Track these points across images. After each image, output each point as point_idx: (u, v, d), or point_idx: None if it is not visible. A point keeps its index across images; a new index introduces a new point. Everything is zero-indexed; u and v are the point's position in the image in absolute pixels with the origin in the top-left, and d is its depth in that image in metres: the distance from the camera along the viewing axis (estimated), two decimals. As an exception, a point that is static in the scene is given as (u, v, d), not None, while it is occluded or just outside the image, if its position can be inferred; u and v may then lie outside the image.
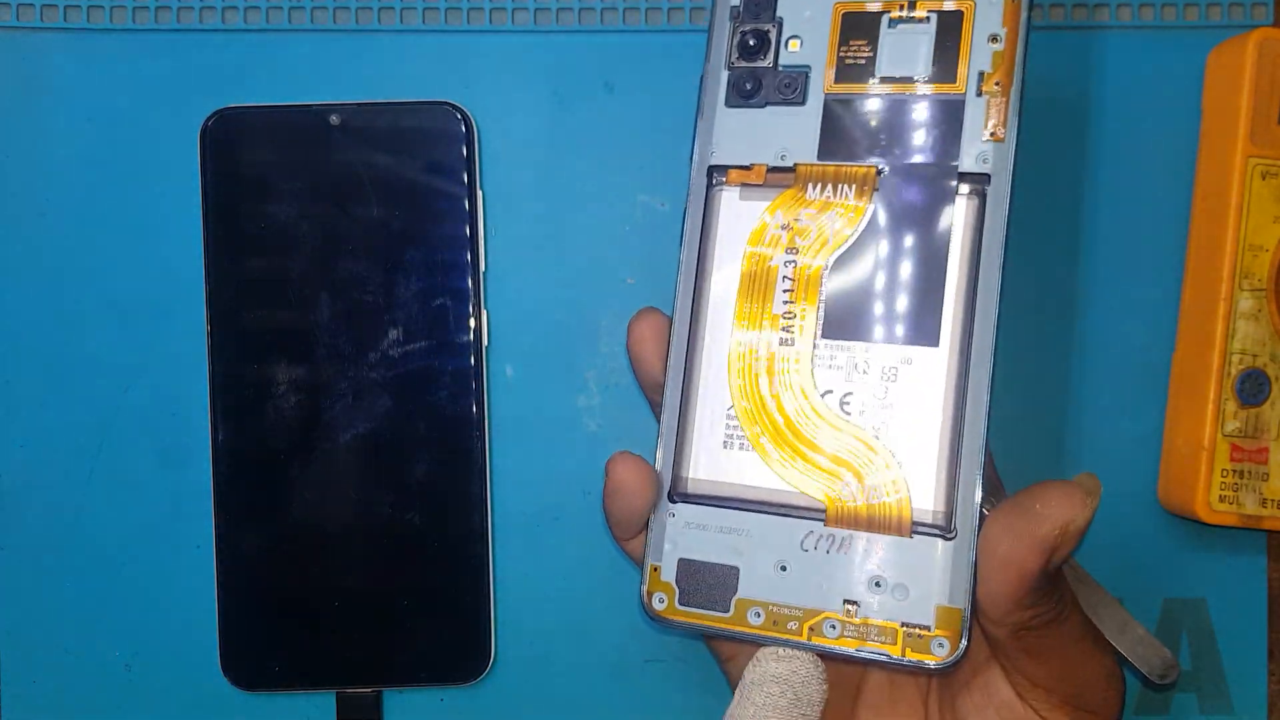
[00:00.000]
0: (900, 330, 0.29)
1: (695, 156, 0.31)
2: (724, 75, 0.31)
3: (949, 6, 0.29)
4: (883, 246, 0.29)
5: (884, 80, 0.30)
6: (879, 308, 0.29)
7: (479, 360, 0.39)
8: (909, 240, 0.29)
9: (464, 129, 0.38)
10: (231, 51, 0.39)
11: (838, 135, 0.30)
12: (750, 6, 0.31)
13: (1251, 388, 0.37)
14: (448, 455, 0.39)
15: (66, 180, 0.39)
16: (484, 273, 0.39)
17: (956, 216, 0.29)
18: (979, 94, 0.29)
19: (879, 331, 0.29)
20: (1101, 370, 0.39)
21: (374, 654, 0.39)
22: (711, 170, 0.31)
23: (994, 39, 0.29)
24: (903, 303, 0.29)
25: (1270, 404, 0.37)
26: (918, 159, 0.29)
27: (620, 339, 0.40)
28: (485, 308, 0.39)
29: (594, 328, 0.40)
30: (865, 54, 0.30)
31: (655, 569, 0.30)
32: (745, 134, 0.30)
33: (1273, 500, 0.37)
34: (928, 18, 0.29)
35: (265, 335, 0.38)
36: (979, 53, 0.29)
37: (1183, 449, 0.38)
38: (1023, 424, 0.39)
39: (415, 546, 0.39)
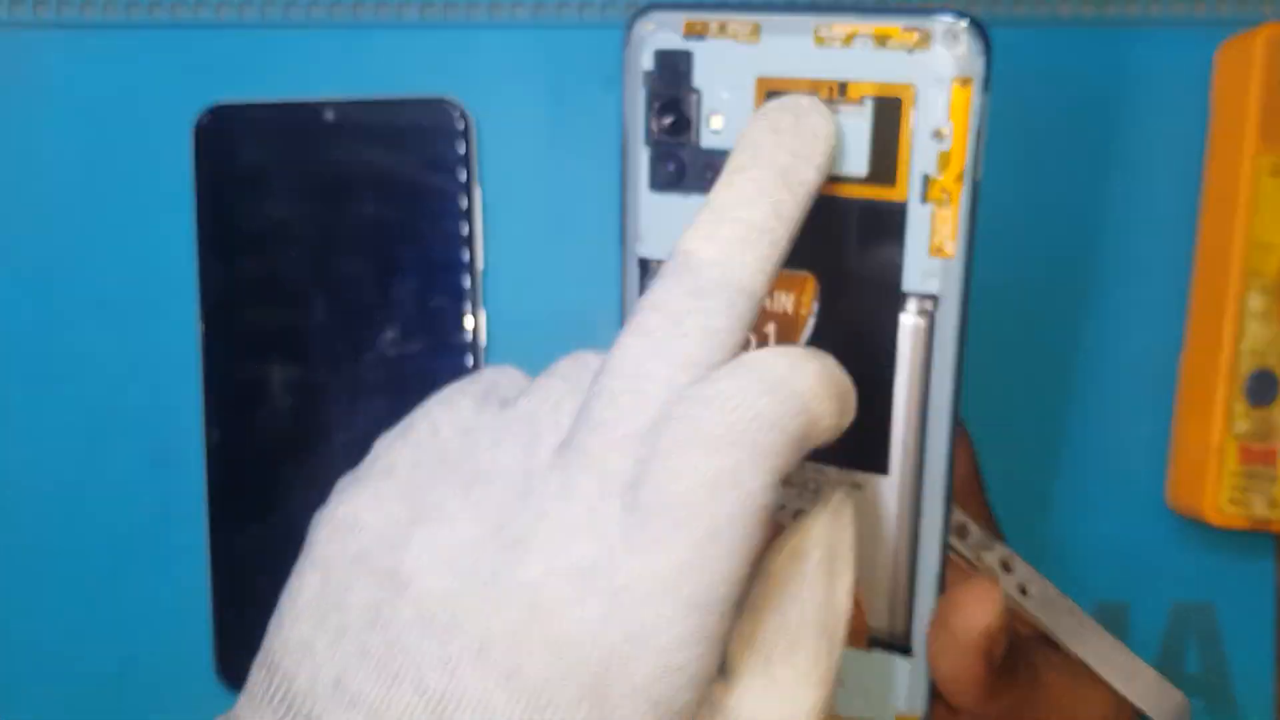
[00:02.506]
0: (848, 454, 0.27)
1: (623, 244, 0.28)
2: (643, 153, 0.27)
3: (887, 92, 0.24)
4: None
5: None
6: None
7: (476, 360, 0.38)
8: (852, 361, 0.26)
9: (461, 125, 0.38)
10: (226, 47, 0.39)
11: None
12: (664, 73, 0.26)
13: (1261, 388, 0.36)
14: (445, 456, 0.38)
15: (59, 177, 0.39)
16: (481, 271, 0.39)
17: (901, 340, 0.26)
18: (923, 201, 0.25)
19: (827, 453, 0.26)
20: (1109, 370, 0.39)
21: (370, 658, 0.39)
22: (642, 263, 0.28)
23: (939, 135, 0.24)
24: (849, 427, 0.27)
25: (1280, 405, 0.36)
26: (857, 272, 0.26)
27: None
28: (483, 307, 0.39)
29: (594, 328, 0.40)
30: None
31: None
32: (672, 224, 0.27)
33: (1282, 503, 0.36)
34: (862, 103, 0.25)
35: (259, 334, 0.38)
36: (921, 151, 0.24)
37: (1191, 450, 0.37)
38: (1030, 425, 0.39)
39: (412, 549, 0.38)
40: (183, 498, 0.39)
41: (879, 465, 0.27)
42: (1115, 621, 0.39)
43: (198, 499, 0.39)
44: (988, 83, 0.24)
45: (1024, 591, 0.29)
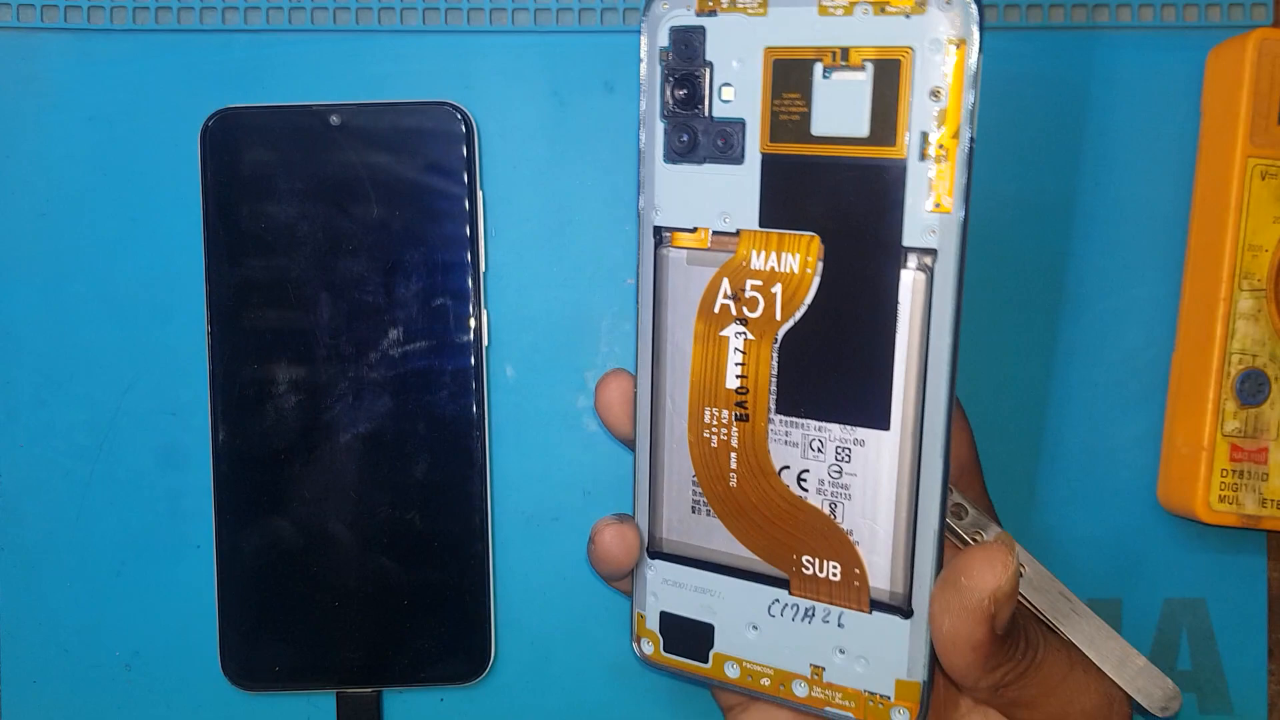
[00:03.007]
0: (851, 411, 0.27)
1: (640, 215, 0.29)
2: (659, 127, 0.28)
3: (886, 55, 0.26)
4: (830, 323, 0.27)
5: (819, 140, 0.27)
6: (829, 387, 0.28)
7: (479, 360, 0.39)
8: (855, 318, 0.27)
9: (464, 129, 0.38)
10: (232, 52, 0.39)
11: (778, 200, 0.27)
12: (679, 49, 0.28)
13: (1251, 388, 0.37)
14: (448, 455, 0.39)
15: (67, 181, 0.39)
16: (484, 273, 0.39)
17: (902, 295, 0.26)
18: (921, 158, 0.26)
19: (830, 411, 0.28)
20: (1101, 370, 0.39)
21: (374, 654, 0.39)
22: (657, 231, 0.29)
23: (936, 94, 0.25)
24: (852, 383, 0.27)
25: (1270, 404, 0.37)
26: (860, 230, 0.27)
27: (620, 338, 0.40)
28: (485, 308, 0.39)
29: (594, 328, 0.40)
30: (799, 109, 0.27)
31: (641, 617, 0.31)
32: (686, 193, 0.28)
33: (1272, 500, 0.37)
34: (864, 67, 0.26)
35: (265, 335, 0.38)
36: (920, 110, 0.25)
37: (1182, 449, 0.38)
38: (1023, 424, 0.39)
39: (415, 546, 0.39)
40: (190, 497, 0.39)
41: (880, 421, 0.27)
42: (1108, 618, 0.39)
43: (205, 498, 0.39)
44: (981, 43, 0.25)
45: (1018, 573, 0.30)
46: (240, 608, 0.39)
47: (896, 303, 0.26)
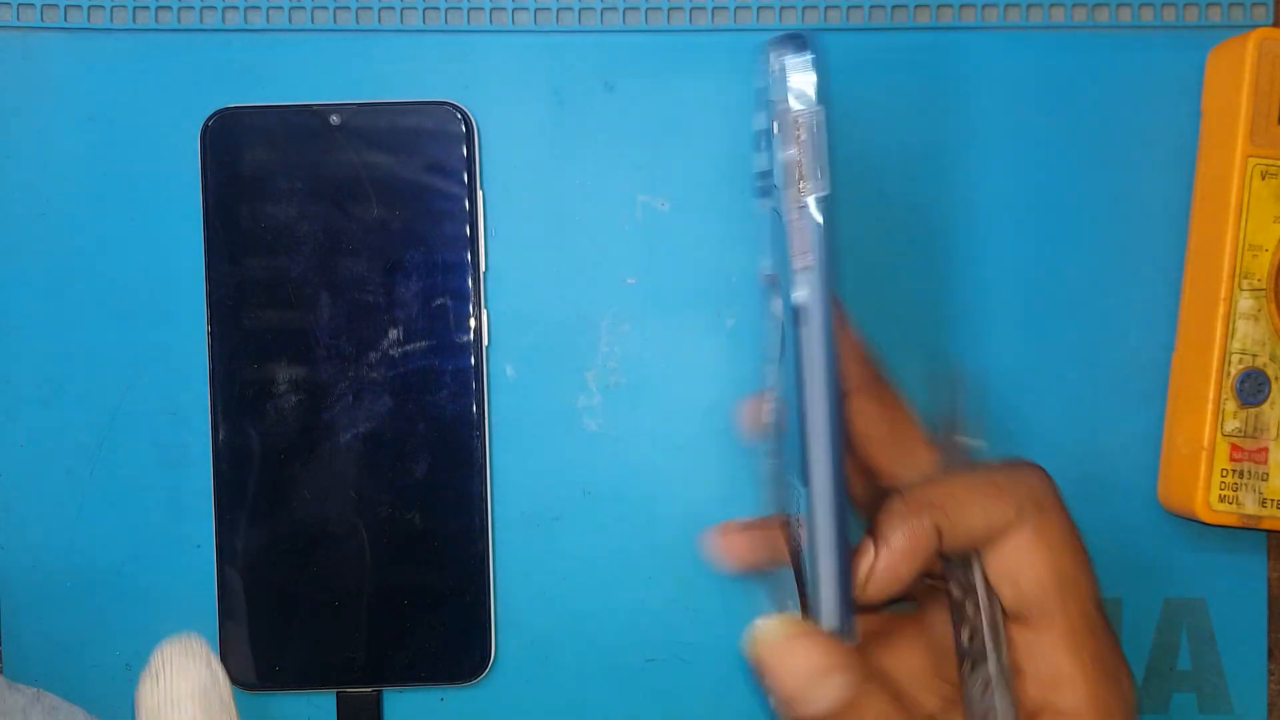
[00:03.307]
0: (799, 469, 0.28)
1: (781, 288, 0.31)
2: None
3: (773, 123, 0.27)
4: (780, 383, 0.29)
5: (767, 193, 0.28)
6: (783, 443, 0.29)
7: (479, 360, 0.39)
8: (788, 375, 0.28)
9: (464, 129, 0.38)
10: (232, 51, 0.39)
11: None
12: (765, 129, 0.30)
13: (1251, 387, 0.37)
14: (448, 455, 0.39)
15: (67, 180, 0.39)
16: (484, 273, 0.39)
17: (789, 350, 0.27)
18: (789, 217, 0.26)
19: (795, 469, 0.29)
20: (1101, 370, 0.39)
21: (374, 654, 0.39)
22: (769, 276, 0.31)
23: (790, 157, 0.26)
24: (791, 440, 0.28)
25: (1270, 404, 0.37)
26: (787, 291, 0.27)
27: (620, 338, 0.40)
28: (485, 307, 0.39)
29: (594, 328, 0.40)
30: (764, 166, 0.28)
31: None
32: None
33: (1272, 500, 0.37)
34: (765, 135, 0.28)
35: (265, 335, 0.38)
36: (788, 172, 0.26)
37: (1182, 449, 0.38)
38: (1023, 425, 0.39)
39: (415, 546, 0.39)
40: (190, 496, 0.39)
41: (805, 477, 0.28)
42: (1108, 618, 0.40)
43: (205, 498, 0.39)
44: (822, 100, 0.26)
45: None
46: (240, 607, 0.39)
47: (793, 359, 0.27)
